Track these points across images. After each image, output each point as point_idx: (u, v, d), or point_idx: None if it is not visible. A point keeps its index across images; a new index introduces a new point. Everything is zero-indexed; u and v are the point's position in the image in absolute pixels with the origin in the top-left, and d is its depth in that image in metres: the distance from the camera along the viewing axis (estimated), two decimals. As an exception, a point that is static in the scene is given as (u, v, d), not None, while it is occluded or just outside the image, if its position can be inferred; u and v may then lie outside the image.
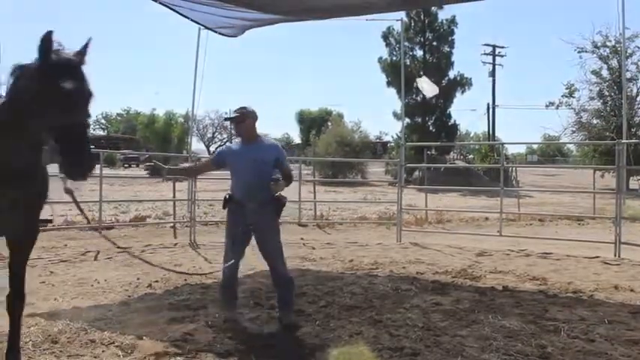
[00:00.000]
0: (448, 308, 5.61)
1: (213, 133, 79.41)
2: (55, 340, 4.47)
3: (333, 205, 16.46)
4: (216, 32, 9.61)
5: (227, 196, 5.06)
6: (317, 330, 4.88)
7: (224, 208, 5.11)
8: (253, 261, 6.29)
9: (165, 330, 4.80)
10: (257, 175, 4.77)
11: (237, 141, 5.38)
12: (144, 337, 4.57)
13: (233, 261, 4.99)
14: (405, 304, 5.77)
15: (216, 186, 13.84)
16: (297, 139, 77.44)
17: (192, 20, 9.04)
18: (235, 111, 5.10)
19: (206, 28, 9.63)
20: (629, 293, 6.47)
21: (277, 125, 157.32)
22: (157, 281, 6.66)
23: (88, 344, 4.43)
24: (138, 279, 6.87)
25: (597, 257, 8.76)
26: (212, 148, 74.54)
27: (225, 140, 77.48)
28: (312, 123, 64.69)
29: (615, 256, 8.87)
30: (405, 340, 4.60)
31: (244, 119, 5.03)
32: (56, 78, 3.04)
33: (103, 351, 4.30)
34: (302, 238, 10.64)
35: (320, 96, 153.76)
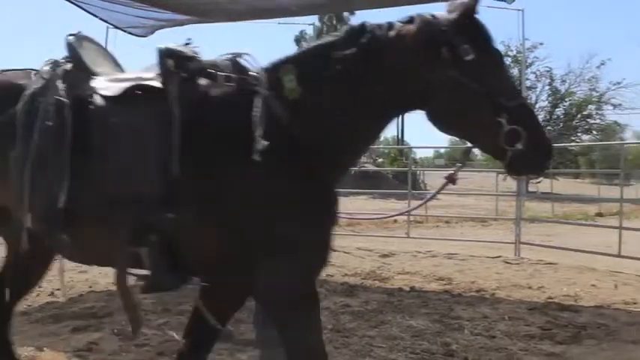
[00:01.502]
0: (357, 309, 5.69)
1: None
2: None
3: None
4: (125, 32, 9.35)
5: None
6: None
7: None
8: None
9: (69, 340, 4.62)
10: None
11: None
12: (45, 349, 4.37)
13: None
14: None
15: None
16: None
17: (100, 19, 8.75)
18: None
19: (115, 27, 9.35)
20: (527, 290, 6.80)
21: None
22: (59, 289, 6.40)
23: (-18, 358, 4.20)
24: (39, 287, 6.56)
25: (499, 257, 9.15)
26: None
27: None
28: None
29: (515, 255, 9.29)
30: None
31: None
32: (483, 41, 2.38)
33: (-1, 364, 4.09)
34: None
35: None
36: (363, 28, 2.45)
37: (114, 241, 2.40)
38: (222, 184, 2.36)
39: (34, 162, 2.47)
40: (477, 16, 2.38)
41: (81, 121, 2.47)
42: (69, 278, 6.29)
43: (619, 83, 33.88)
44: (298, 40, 38.19)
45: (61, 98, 2.51)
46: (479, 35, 2.38)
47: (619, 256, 8.49)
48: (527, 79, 29.45)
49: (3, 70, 2.91)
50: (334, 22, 38.18)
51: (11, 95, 2.62)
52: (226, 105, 2.45)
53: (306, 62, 2.53)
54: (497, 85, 2.34)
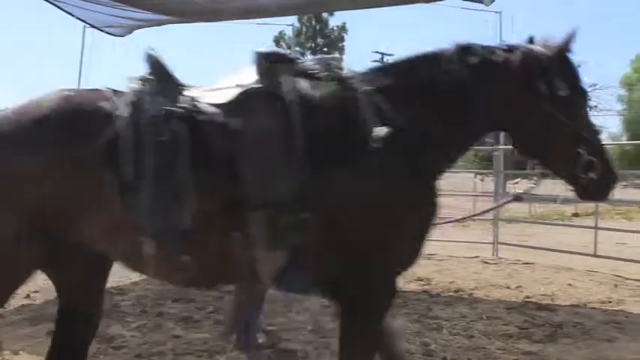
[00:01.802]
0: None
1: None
2: None
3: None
4: (103, 31, 9.27)
5: None
6: (206, 337, 4.81)
7: None
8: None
9: (45, 343, 4.53)
10: None
11: None
12: (20, 352, 4.33)
13: None
14: (294, 308, 5.81)
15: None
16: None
17: (77, 18, 8.67)
18: None
19: (92, 26, 9.27)
20: (505, 290, 6.87)
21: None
22: (36, 291, 6.32)
23: (-43, 361, 4.15)
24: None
25: (477, 257, 9.24)
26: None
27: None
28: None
29: (493, 255, 9.39)
30: (294, 343, 4.64)
31: None
32: (574, 79, 2.64)
33: (-26, 368, 4.05)
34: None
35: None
36: (471, 48, 2.66)
37: (244, 253, 2.36)
38: (338, 184, 2.39)
39: (152, 181, 2.30)
40: (570, 55, 2.65)
41: (195, 132, 2.37)
42: (44, 280, 6.22)
43: (595, 85, 34.25)
44: (277, 40, 38.17)
45: (171, 110, 2.39)
46: (571, 73, 2.64)
47: (595, 255, 8.61)
48: (505, 80, 29.59)
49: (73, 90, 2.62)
50: (313, 22, 38.30)
51: (100, 116, 2.39)
52: (335, 105, 2.49)
53: (408, 71, 2.68)
54: (582, 120, 2.63)
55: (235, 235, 2.33)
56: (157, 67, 2.58)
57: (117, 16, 8.34)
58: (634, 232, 10.34)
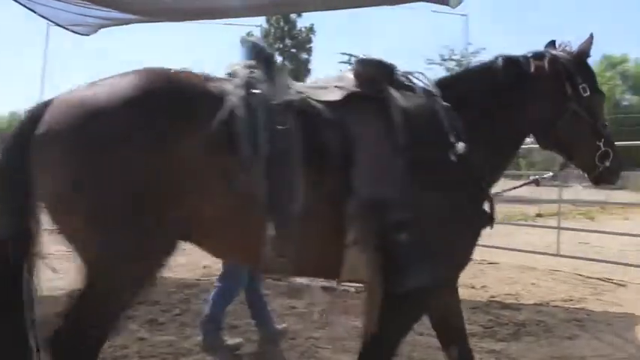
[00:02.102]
0: (303, 311, 5.70)
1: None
2: None
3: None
4: (67, 29, 9.12)
5: None
6: (171, 339, 4.76)
7: None
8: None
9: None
10: None
11: None
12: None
13: None
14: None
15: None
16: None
17: (40, 15, 8.51)
18: None
19: (56, 24, 9.11)
20: (471, 290, 6.95)
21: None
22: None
23: None
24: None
25: (443, 257, 9.29)
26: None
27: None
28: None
29: (459, 255, 9.45)
30: (262, 345, 4.62)
31: None
32: (592, 80, 3.02)
33: None
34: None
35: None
36: (514, 59, 2.99)
37: (348, 247, 2.45)
38: (426, 189, 2.56)
39: (272, 167, 2.32)
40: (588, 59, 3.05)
41: (307, 124, 2.45)
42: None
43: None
44: (244, 41, 38.02)
45: (290, 100, 2.47)
46: (590, 75, 3.03)
47: (557, 255, 8.77)
48: (471, 82, 29.99)
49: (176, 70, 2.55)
50: (281, 23, 38.22)
51: (211, 97, 2.37)
52: (426, 114, 2.68)
53: (466, 81, 3.03)
54: (600, 116, 3.02)
55: (341, 229, 2.42)
56: (261, 55, 2.66)
57: (82, 15, 8.20)
58: (595, 231, 10.57)
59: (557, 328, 5.32)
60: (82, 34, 9.23)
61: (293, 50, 38.90)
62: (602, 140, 2.98)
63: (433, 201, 2.55)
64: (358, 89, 2.66)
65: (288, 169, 2.34)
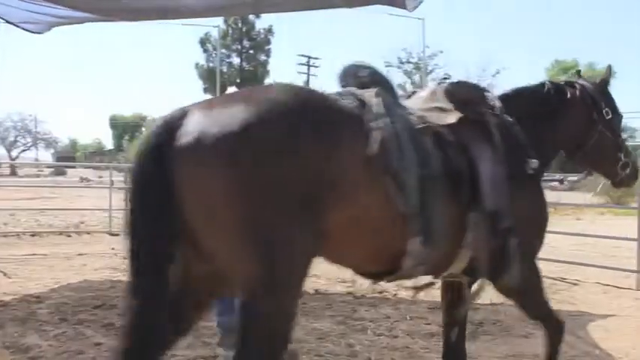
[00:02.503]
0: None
1: (16, 137, 73.12)
2: None
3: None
4: (19, 27, 8.89)
5: None
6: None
7: None
8: (59, 274, 5.88)
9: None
10: None
11: None
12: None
13: None
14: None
15: (19, 194, 12.77)
16: (109, 144, 74.12)
17: (-10, 13, 8.28)
18: None
19: (7, 22, 8.88)
20: (429, 290, 6.99)
21: (88, 130, 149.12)
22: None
23: None
24: None
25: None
26: (14, 153, 68.94)
27: (29, 145, 72.02)
28: (126, 128, 62.48)
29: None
30: (217, 349, 4.58)
31: None
32: (613, 104, 3.61)
33: None
34: (113, 248, 10.17)
35: (134, 100, 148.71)
36: (561, 87, 3.52)
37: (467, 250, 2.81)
38: (518, 196, 2.91)
39: (420, 183, 2.51)
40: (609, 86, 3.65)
41: (440, 145, 2.73)
42: None
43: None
44: (203, 41, 37.67)
45: (428, 125, 2.76)
46: (610, 99, 3.60)
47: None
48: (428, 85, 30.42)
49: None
50: (239, 24, 38.00)
51: (355, 118, 2.46)
52: (510, 132, 3.03)
53: (519, 101, 3.32)
54: (619, 133, 3.63)
55: (461, 234, 2.75)
56: (382, 79, 2.85)
57: (35, 12, 8.01)
58: (549, 232, 10.77)
59: (513, 327, 5.41)
60: (33, 32, 9.03)
61: (251, 51, 38.68)
62: (623, 153, 3.57)
63: (524, 209, 2.95)
64: (466, 112, 2.94)
65: (434, 186, 2.57)
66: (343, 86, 2.80)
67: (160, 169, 2.14)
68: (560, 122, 3.41)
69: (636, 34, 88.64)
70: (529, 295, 3.34)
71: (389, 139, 2.45)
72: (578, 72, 3.84)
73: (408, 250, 2.53)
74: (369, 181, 2.38)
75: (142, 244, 2.19)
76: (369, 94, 2.61)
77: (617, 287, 7.47)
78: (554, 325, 3.45)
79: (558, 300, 6.56)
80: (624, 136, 4.03)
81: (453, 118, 2.88)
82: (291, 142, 2.18)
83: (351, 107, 2.50)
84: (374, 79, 2.80)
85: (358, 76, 2.81)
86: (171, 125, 2.19)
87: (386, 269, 2.74)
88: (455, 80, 3.27)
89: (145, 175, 2.21)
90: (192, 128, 2.15)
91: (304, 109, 2.31)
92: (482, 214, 2.75)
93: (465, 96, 3.05)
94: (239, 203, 2.10)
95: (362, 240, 2.49)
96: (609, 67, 3.72)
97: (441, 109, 2.93)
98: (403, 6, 6.23)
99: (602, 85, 3.62)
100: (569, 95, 3.48)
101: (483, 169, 2.79)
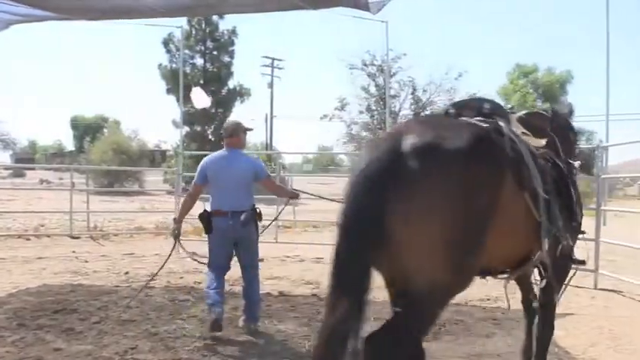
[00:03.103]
0: (226, 316, 5.62)
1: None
2: None
3: (108, 216, 15.50)
4: (-25, 24, 8.68)
5: (206, 213, 5.15)
6: (89, 349, 4.59)
7: (207, 232, 5.21)
8: (18, 278, 5.72)
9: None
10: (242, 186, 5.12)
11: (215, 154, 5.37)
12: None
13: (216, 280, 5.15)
14: (182, 315, 5.71)
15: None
16: (70, 146, 72.76)
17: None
18: (240, 124, 5.47)
19: (-37, 20, 8.66)
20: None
21: (49, 131, 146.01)
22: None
23: None
24: None
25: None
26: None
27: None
28: (87, 129, 61.49)
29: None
30: (181, 352, 4.54)
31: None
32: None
33: None
34: (74, 251, 10.02)
35: (95, 101, 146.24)
36: (556, 111, 4.28)
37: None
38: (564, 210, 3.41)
39: (550, 199, 3.13)
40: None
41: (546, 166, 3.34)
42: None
43: (475, 94, 35.96)
44: (166, 42, 37.18)
45: (542, 151, 3.48)
46: (571, 121, 4.42)
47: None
48: (391, 87, 30.36)
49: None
50: (203, 25, 37.67)
51: (502, 145, 2.87)
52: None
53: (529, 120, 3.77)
54: (577, 142, 4.48)
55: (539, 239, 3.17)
56: (503, 111, 3.33)
57: (-8, 9, 7.84)
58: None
59: (475, 327, 5.49)
60: (-9, 30, 8.82)
61: (215, 53, 38.33)
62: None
63: (569, 220, 3.50)
64: (545, 138, 3.66)
65: (554, 199, 3.17)
66: (458, 115, 3.19)
67: (384, 182, 2.50)
68: (564, 140, 4.02)
69: (594, 40, 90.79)
70: (558, 283, 3.85)
71: (525, 162, 2.95)
72: (564, 101, 4.55)
73: (535, 252, 3.20)
74: (516, 197, 2.86)
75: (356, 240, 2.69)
76: (502, 125, 3.03)
77: (576, 286, 7.63)
78: (550, 320, 3.93)
79: (517, 299, 6.66)
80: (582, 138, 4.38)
81: (542, 142, 3.58)
82: (493, 177, 2.65)
83: (501, 140, 2.88)
84: (495, 110, 3.24)
85: (481, 107, 3.24)
86: (399, 149, 2.52)
87: (511, 267, 3.41)
88: (534, 111, 4.20)
89: (372, 188, 2.54)
90: (424, 154, 2.51)
91: (492, 145, 2.77)
92: (564, 223, 3.33)
93: (539, 124, 3.78)
94: (447, 216, 2.49)
95: (505, 244, 2.89)
96: (571, 104, 4.56)
97: (527, 135, 3.41)
98: (367, 8, 6.26)
99: (571, 114, 4.50)
100: (561, 119, 4.24)
101: (562, 187, 3.42)
